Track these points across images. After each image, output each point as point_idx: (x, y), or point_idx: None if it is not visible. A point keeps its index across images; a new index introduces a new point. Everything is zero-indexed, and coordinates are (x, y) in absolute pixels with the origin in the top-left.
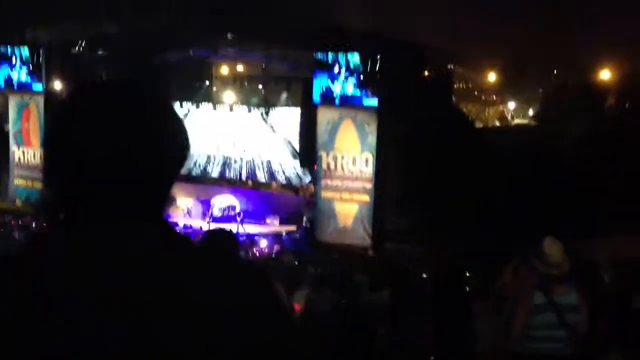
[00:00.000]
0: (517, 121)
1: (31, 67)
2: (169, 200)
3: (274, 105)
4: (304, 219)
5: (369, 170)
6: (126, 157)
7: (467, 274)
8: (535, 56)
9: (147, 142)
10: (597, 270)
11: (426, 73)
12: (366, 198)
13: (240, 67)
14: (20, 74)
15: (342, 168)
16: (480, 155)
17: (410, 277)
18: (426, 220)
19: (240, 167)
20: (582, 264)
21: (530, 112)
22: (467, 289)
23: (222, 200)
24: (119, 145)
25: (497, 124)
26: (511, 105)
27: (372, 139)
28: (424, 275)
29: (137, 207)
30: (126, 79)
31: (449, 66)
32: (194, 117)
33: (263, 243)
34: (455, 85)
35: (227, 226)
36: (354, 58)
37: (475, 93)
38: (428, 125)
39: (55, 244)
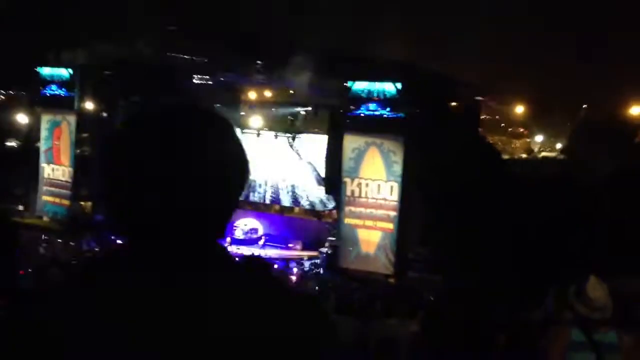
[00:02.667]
0: (544, 154)
1: (65, 87)
2: (228, 226)
3: (301, 131)
4: (327, 244)
5: (393, 198)
6: (189, 184)
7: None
8: (563, 90)
9: (209, 168)
10: (634, 306)
11: (454, 104)
12: (390, 226)
13: (268, 93)
14: (54, 94)
15: (367, 195)
16: (506, 187)
17: (431, 308)
18: (449, 251)
19: (265, 191)
20: (618, 300)
21: (558, 146)
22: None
23: (246, 223)
24: (182, 172)
25: (524, 156)
26: (538, 138)
27: (397, 168)
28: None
29: (197, 234)
30: (188, 104)
31: (476, 98)
32: None
33: (285, 267)
34: (482, 117)
35: (249, 249)
36: (382, 87)
37: (503, 125)
38: (454, 156)
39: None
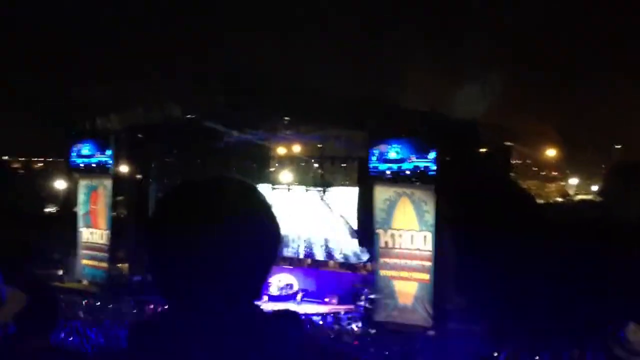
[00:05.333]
0: (580, 197)
1: (101, 153)
2: (262, 289)
3: (331, 184)
4: (363, 298)
5: (427, 248)
6: (228, 250)
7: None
8: (596, 131)
9: (247, 236)
10: None
11: (483, 150)
12: (426, 277)
13: (297, 148)
14: (90, 159)
15: (400, 246)
16: (541, 233)
17: None
18: (487, 300)
19: (298, 246)
20: None
21: (594, 188)
22: None
23: (280, 279)
24: (221, 239)
25: (559, 200)
26: (573, 181)
27: (429, 217)
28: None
29: (234, 297)
30: (220, 176)
31: (506, 143)
32: None
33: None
34: (513, 162)
35: (285, 305)
36: (410, 136)
37: (535, 169)
38: (486, 203)
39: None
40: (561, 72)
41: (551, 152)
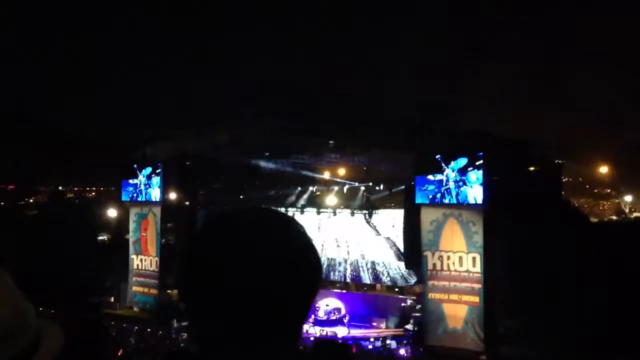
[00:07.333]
0: (636, 214)
1: (150, 181)
2: (303, 325)
3: (377, 206)
4: (411, 321)
5: (477, 270)
6: (262, 285)
7: None
8: None
9: (280, 269)
10: None
11: (533, 169)
12: (476, 299)
13: (342, 171)
14: (140, 188)
15: (449, 268)
16: (596, 251)
17: None
18: (541, 322)
19: (345, 270)
20: None
21: None
22: None
23: (327, 303)
24: (255, 272)
25: (614, 217)
26: (628, 198)
27: (478, 238)
28: None
29: (274, 332)
30: (256, 208)
31: (557, 161)
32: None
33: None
34: (564, 180)
35: (332, 330)
36: (456, 156)
37: (587, 187)
38: (537, 222)
39: None
40: (610, 86)
41: (603, 169)
